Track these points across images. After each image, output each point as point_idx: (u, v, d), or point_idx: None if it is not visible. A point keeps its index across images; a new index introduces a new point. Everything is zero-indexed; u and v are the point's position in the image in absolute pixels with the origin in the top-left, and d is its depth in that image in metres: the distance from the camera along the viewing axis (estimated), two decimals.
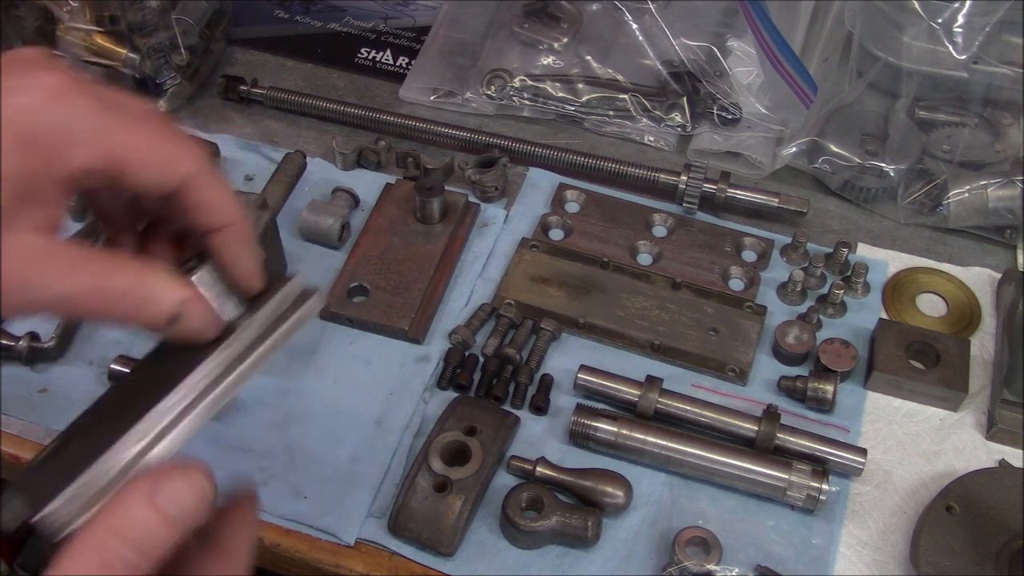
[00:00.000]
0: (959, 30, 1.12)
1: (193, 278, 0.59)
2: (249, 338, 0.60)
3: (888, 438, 0.96)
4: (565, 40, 1.27)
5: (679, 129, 1.21)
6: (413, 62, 1.30)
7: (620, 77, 1.23)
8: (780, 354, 1.00)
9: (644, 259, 1.09)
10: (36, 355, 0.99)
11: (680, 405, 0.94)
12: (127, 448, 0.54)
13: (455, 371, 0.99)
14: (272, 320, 0.61)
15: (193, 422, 0.56)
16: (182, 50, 1.21)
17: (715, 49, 1.20)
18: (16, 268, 0.53)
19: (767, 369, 1.00)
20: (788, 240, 1.09)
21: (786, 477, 0.88)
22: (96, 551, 0.48)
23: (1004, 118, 1.17)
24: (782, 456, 0.90)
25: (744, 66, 1.21)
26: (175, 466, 0.51)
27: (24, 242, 0.53)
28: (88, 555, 0.48)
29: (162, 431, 0.55)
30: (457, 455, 0.90)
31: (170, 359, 0.60)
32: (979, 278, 1.08)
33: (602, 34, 1.28)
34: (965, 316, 1.04)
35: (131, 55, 1.19)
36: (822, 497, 0.87)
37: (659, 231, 1.11)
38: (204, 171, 0.59)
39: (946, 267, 1.09)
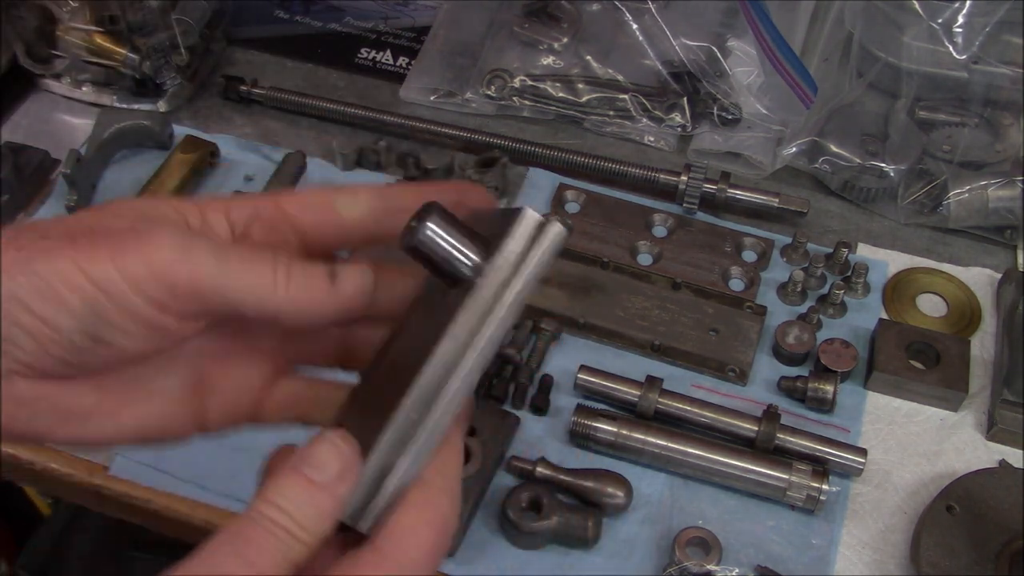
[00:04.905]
0: (959, 30, 1.12)
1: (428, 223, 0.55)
2: (497, 283, 0.57)
3: (888, 438, 0.96)
4: (565, 40, 1.27)
5: (679, 129, 1.20)
6: (413, 62, 1.30)
7: (620, 77, 1.23)
8: (780, 354, 1.00)
9: (644, 259, 1.09)
10: None
11: (680, 405, 0.94)
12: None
13: None
14: (516, 262, 0.58)
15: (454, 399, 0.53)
16: (182, 50, 1.21)
17: (715, 49, 1.20)
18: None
19: (767, 369, 1.00)
20: (788, 240, 1.09)
21: (786, 477, 0.88)
22: None
23: (1004, 118, 1.16)
24: (782, 456, 0.90)
25: (744, 66, 1.21)
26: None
27: None
28: None
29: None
30: None
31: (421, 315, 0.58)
32: (979, 278, 1.08)
33: (602, 34, 1.28)
34: (965, 316, 1.04)
35: (131, 55, 1.19)
36: (822, 497, 0.87)
37: (659, 231, 1.11)
38: None
39: (946, 267, 1.09)
